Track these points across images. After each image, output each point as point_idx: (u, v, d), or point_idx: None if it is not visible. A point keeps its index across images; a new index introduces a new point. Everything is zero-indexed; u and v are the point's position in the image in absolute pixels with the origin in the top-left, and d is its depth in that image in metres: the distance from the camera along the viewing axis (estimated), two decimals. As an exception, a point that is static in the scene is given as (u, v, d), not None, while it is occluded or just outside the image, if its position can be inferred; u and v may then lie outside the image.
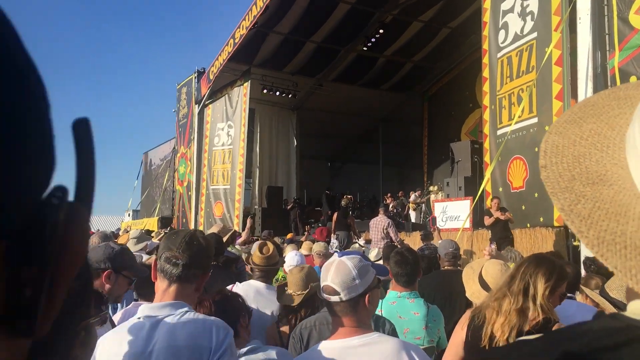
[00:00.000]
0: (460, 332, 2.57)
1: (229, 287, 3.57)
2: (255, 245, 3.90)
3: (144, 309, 1.92)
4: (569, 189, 0.63)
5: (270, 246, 3.89)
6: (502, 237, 9.43)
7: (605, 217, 0.59)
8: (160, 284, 1.96)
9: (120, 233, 12.60)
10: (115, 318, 3.37)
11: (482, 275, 2.95)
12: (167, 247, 1.96)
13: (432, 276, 4.78)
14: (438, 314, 3.40)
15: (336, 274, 1.93)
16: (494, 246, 3.76)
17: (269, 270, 3.79)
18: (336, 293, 1.92)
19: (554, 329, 2.28)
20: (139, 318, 1.89)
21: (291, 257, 4.34)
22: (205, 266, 2.02)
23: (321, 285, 1.98)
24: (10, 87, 0.37)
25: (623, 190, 0.60)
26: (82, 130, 0.43)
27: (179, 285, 1.93)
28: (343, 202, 14.62)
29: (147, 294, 3.52)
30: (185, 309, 1.91)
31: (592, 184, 0.63)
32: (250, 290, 3.57)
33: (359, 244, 11.00)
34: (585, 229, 0.59)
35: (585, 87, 9.15)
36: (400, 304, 3.28)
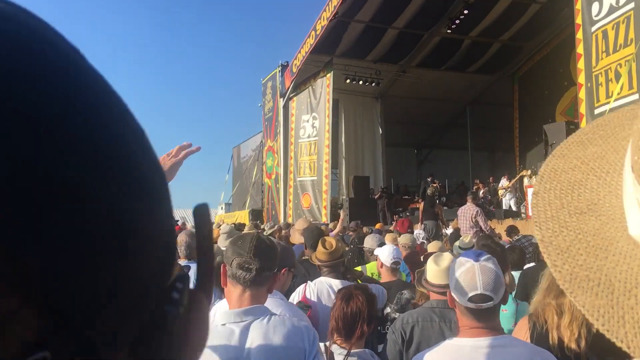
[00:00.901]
0: (523, 333, 2.37)
1: (302, 286, 3.59)
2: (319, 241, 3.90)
3: (228, 315, 1.94)
4: (554, 219, 0.59)
5: (332, 240, 3.87)
6: None
7: (584, 250, 0.55)
8: (234, 290, 1.98)
9: (214, 227, 13.07)
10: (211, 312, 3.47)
11: None
12: (236, 253, 1.98)
13: (533, 270, 4.56)
14: (528, 310, 3.24)
15: (486, 279, 1.90)
16: None
17: (336, 265, 3.77)
18: (489, 299, 1.89)
19: None
20: (222, 324, 1.91)
21: (389, 250, 4.28)
22: (274, 267, 2.04)
23: (466, 296, 1.91)
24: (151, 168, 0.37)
25: (611, 221, 0.55)
26: (202, 216, 0.42)
27: (253, 289, 1.95)
28: (429, 191, 14.29)
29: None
30: (269, 313, 1.95)
31: (580, 213, 0.58)
32: (324, 288, 3.57)
33: (447, 233, 10.76)
34: (560, 262, 0.55)
35: (693, 58, 8.39)
36: None
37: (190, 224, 18.57)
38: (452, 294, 1.96)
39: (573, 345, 2.08)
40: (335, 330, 2.57)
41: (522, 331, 2.36)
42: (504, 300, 1.95)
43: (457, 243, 6.06)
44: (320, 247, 3.72)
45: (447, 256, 2.91)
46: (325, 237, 4.01)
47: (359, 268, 4.90)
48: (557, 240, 0.57)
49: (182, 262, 4.49)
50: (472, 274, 1.90)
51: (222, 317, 1.95)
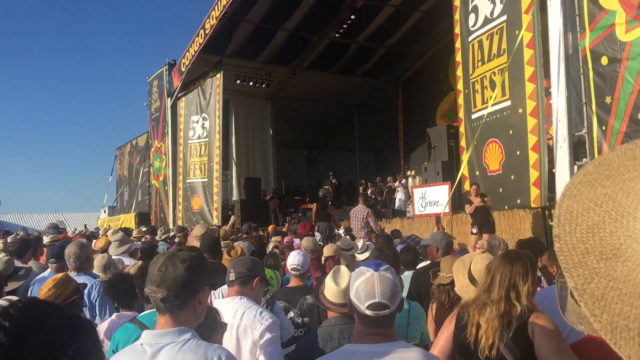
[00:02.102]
0: (449, 326, 2.66)
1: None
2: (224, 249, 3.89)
3: (147, 336, 1.88)
4: (582, 265, 0.60)
5: (238, 248, 3.88)
6: (483, 221, 9.54)
7: (618, 298, 0.56)
8: (157, 314, 1.94)
9: (100, 233, 12.41)
10: (102, 327, 3.32)
11: (471, 270, 2.98)
12: (148, 279, 1.93)
13: (426, 270, 4.79)
14: (420, 310, 3.43)
15: (384, 289, 1.95)
16: (484, 241, 3.78)
17: None
18: (386, 307, 1.95)
19: (532, 317, 2.38)
20: (141, 344, 1.86)
21: (293, 256, 4.28)
22: (191, 290, 1.94)
23: (364, 304, 1.95)
24: None
25: (637, 267, 0.57)
26: None
27: (171, 314, 1.90)
28: (321, 192, 14.58)
29: (129, 304, 3.48)
30: (188, 335, 1.87)
31: (606, 259, 0.59)
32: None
33: (340, 233, 11.03)
34: (598, 312, 0.57)
35: (557, 69, 9.24)
36: None
37: (70, 230, 17.51)
38: (352, 302, 2.03)
39: (486, 349, 2.34)
40: None
41: (451, 316, 2.66)
42: (399, 309, 2.03)
43: (338, 242, 6.24)
44: (225, 255, 3.69)
45: (345, 273, 2.90)
46: (233, 245, 3.99)
47: (269, 271, 4.88)
48: (590, 288, 0.58)
49: (73, 274, 4.25)
50: (371, 283, 1.97)
51: (144, 336, 1.90)
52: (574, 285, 0.60)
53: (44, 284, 3.33)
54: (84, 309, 3.97)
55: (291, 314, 3.92)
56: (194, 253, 2.06)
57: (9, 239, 8.99)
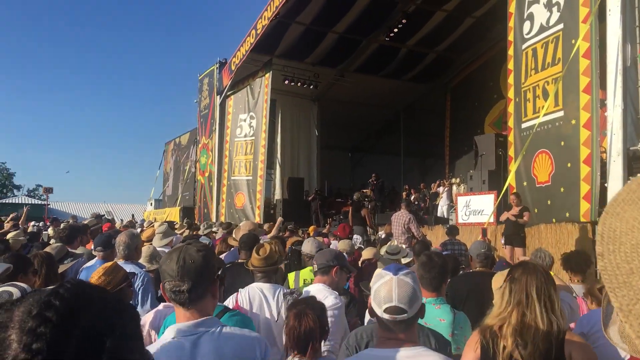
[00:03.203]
0: (471, 354, 2.50)
1: (234, 294, 3.58)
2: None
3: (177, 330, 1.91)
4: (628, 285, 0.59)
5: (267, 247, 3.90)
6: (513, 234, 9.37)
7: None
8: (178, 308, 1.97)
9: (145, 225, 12.72)
10: (148, 317, 3.39)
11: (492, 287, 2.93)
12: (166, 275, 1.96)
13: (463, 278, 4.71)
14: (465, 320, 3.35)
15: (401, 293, 1.96)
16: (526, 258, 3.68)
17: (269, 271, 3.79)
18: (403, 312, 1.95)
19: (567, 336, 2.27)
20: (173, 338, 1.88)
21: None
22: (210, 277, 2.00)
23: (381, 307, 1.97)
24: None
25: None
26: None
27: (194, 306, 1.93)
28: (355, 196, 14.58)
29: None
30: (219, 325, 1.93)
31: None
32: (256, 294, 3.59)
33: (379, 237, 10.97)
34: None
35: (614, 81, 8.95)
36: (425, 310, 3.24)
37: (118, 220, 18.00)
38: (371, 304, 2.04)
39: (515, 354, 2.24)
40: (290, 347, 2.67)
41: (473, 342, 2.52)
42: (420, 314, 2.02)
43: (384, 248, 6.18)
44: (254, 253, 3.73)
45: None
46: (262, 243, 4.01)
47: (292, 274, 4.89)
48: (635, 309, 0.57)
49: (120, 262, 4.36)
50: (389, 286, 1.98)
51: (171, 331, 1.92)
52: (619, 305, 0.59)
53: (94, 272, 3.43)
54: None
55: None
56: (204, 244, 2.13)
57: (61, 226, 9.31)
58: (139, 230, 9.93)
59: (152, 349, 1.94)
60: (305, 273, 4.86)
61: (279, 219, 9.88)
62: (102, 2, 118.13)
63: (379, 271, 2.12)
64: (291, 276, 4.81)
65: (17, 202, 46.48)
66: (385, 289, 1.98)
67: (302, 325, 2.66)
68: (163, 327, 2.88)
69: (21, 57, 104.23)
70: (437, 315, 3.26)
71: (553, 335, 2.27)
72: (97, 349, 0.86)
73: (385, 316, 1.96)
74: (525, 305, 2.35)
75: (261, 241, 4.51)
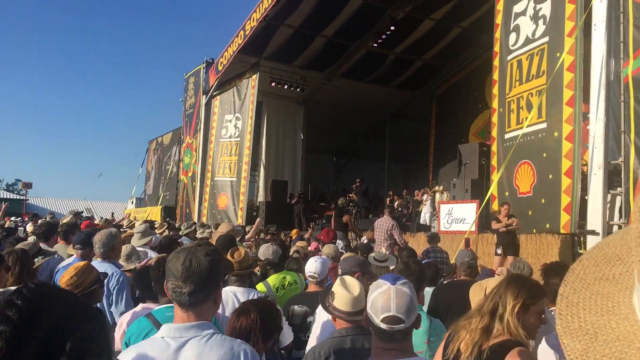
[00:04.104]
0: (440, 349, 2.59)
1: None
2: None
3: (169, 329, 1.89)
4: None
5: (242, 250, 3.90)
6: (509, 242, 9.41)
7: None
8: (176, 308, 1.94)
9: (125, 223, 12.60)
10: (125, 318, 3.35)
11: (486, 292, 2.92)
12: (170, 274, 1.93)
13: (446, 287, 4.72)
14: (441, 327, 3.36)
15: (400, 303, 1.95)
16: (504, 268, 3.70)
17: (243, 274, 3.80)
18: (401, 322, 1.94)
19: (515, 350, 2.24)
20: (162, 337, 1.86)
21: (311, 263, 4.26)
22: (214, 283, 1.98)
23: (379, 317, 1.95)
24: None
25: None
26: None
27: (193, 309, 1.91)
28: (339, 202, 14.61)
29: (154, 296, 3.50)
30: (211, 330, 1.90)
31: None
32: (229, 297, 3.56)
33: (362, 243, 10.96)
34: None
35: (597, 94, 9.07)
36: None
37: (97, 217, 17.79)
38: (367, 314, 2.02)
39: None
40: None
41: (444, 338, 2.58)
42: (416, 324, 2.01)
43: (372, 254, 6.15)
44: (229, 256, 3.71)
45: (354, 282, 2.87)
46: (238, 247, 4.01)
47: (262, 287, 4.78)
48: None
49: (98, 261, 4.30)
50: (387, 296, 1.96)
51: (163, 329, 1.91)
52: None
53: (65, 271, 3.38)
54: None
55: (310, 319, 3.92)
56: (214, 248, 2.09)
57: (39, 222, 9.19)
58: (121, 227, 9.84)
59: (140, 344, 1.94)
60: (273, 280, 4.76)
61: (258, 220, 9.85)
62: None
63: (377, 281, 2.09)
64: (262, 289, 4.71)
65: (-5, 196, 45.78)
66: (383, 299, 1.96)
67: (240, 322, 2.65)
68: (126, 336, 2.82)
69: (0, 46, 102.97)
70: None
71: (493, 335, 2.30)
72: (57, 349, 0.87)
73: (383, 326, 1.94)
74: (487, 314, 2.38)
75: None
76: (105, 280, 3.94)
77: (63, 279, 3.26)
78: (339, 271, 3.71)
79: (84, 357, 0.90)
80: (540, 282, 3.76)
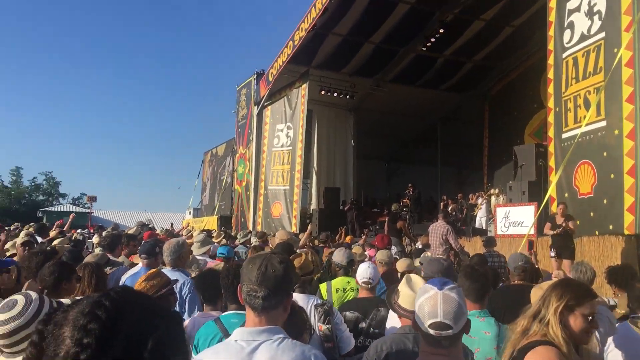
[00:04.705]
0: None
1: None
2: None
3: (242, 333, 1.98)
4: None
5: (303, 256, 3.92)
6: (563, 246, 9.18)
7: None
8: (249, 312, 2.02)
9: (183, 233, 12.95)
10: (184, 324, 3.47)
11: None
12: (245, 279, 2.01)
13: (501, 291, 4.65)
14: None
15: (447, 308, 1.94)
16: (560, 271, 3.61)
17: (304, 281, 3.84)
18: (449, 328, 1.93)
19: (536, 349, 2.27)
20: (235, 340, 1.95)
21: (364, 269, 4.30)
22: (287, 290, 2.05)
23: (426, 322, 1.96)
24: None
25: None
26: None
27: (265, 313, 1.98)
28: (393, 207, 14.52)
29: (213, 300, 3.61)
30: (282, 335, 1.96)
31: None
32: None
33: (417, 248, 10.89)
34: None
35: (659, 90, 8.72)
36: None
37: (158, 228, 18.33)
38: (415, 318, 2.02)
39: None
40: None
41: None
42: (466, 329, 1.99)
43: (418, 260, 6.13)
44: None
45: (419, 281, 2.88)
46: (298, 253, 4.06)
47: (323, 285, 4.88)
48: None
49: (167, 269, 4.44)
50: (434, 301, 1.95)
51: (236, 333, 1.99)
52: None
53: (139, 278, 3.54)
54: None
55: (363, 324, 3.95)
56: (286, 256, 2.16)
57: (104, 234, 9.58)
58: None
59: (215, 347, 2.04)
60: (337, 283, 4.84)
61: (309, 228, 9.92)
62: (142, 10, 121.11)
63: (424, 286, 2.10)
64: (323, 287, 4.82)
65: (62, 209, 47.82)
66: (429, 304, 1.96)
67: None
68: (195, 339, 2.94)
69: (65, 62, 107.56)
70: (482, 328, 3.21)
71: (523, 348, 2.32)
72: (141, 346, 0.94)
73: (431, 331, 1.94)
74: (530, 316, 2.43)
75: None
76: (178, 288, 4.12)
77: (136, 284, 3.41)
78: (422, 274, 3.71)
79: (164, 353, 0.97)
80: (605, 284, 3.68)
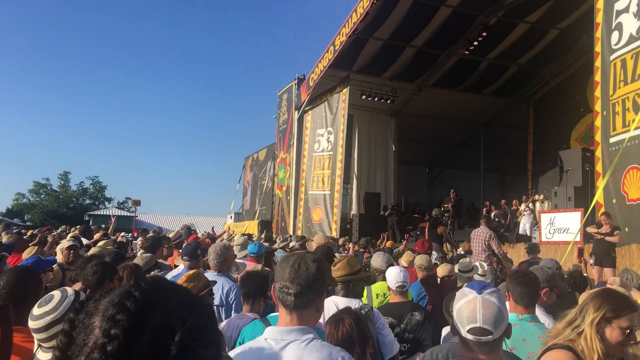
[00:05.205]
0: None
1: None
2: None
3: (272, 331, 1.99)
4: None
5: (346, 260, 3.90)
6: (604, 254, 8.92)
7: None
8: (281, 310, 2.03)
9: (224, 237, 13.12)
10: (220, 325, 3.52)
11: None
12: (279, 276, 2.03)
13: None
14: None
15: (486, 313, 1.88)
16: (615, 277, 3.50)
17: (349, 281, 3.75)
18: (488, 333, 1.87)
19: (551, 352, 2.28)
20: (265, 339, 1.96)
21: (396, 273, 4.27)
22: (319, 289, 2.04)
23: (465, 327, 1.91)
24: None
25: None
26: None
27: (297, 312, 1.98)
28: (434, 212, 14.36)
29: (253, 299, 3.64)
30: (312, 335, 1.96)
31: None
32: (331, 306, 3.53)
33: (459, 254, 10.73)
34: None
35: None
36: (522, 327, 3.07)
37: (200, 232, 18.61)
38: (454, 323, 1.97)
39: None
40: None
41: None
42: (507, 334, 1.92)
43: (457, 266, 6.02)
44: (332, 267, 3.74)
45: None
46: (339, 258, 4.07)
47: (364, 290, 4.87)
48: None
49: (213, 273, 4.49)
50: (473, 306, 1.90)
51: (267, 332, 2.01)
52: None
53: (179, 279, 3.60)
54: (220, 308, 4.23)
55: (397, 330, 3.92)
56: (321, 257, 2.17)
57: (147, 236, 9.80)
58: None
59: (246, 345, 2.05)
60: (377, 287, 4.82)
61: (352, 247, 9.86)
62: (187, 14, 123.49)
63: (462, 290, 2.06)
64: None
65: (107, 213, 49.13)
66: (469, 309, 1.90)
67: (339, 331, 2.68)
68: (240, 337, 3.01)
69: (111, 67, 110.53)
70: (535, 332, 3.13)
71: (544, 350, 2.36)
72: (168, 339, 0.92)
73: (469, 337, 1.88)
74: (565, 322, 2.43)
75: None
76: (225, 293, 4.21)
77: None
78: None
79: (193, 347, 0.95)
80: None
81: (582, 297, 3.13)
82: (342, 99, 19.65)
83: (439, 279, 5.37)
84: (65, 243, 6.18)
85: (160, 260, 5.77)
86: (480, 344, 1.88)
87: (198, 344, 0.96)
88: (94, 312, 0.95)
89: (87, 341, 0.91)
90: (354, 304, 3.65)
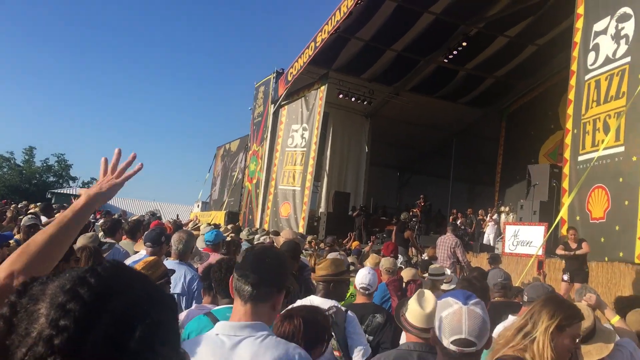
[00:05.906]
0: None
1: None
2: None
3: (223, 327, 1.90)
4: None
5: (330, 259, 3.85)
6: (577, 269, 9.06)
7: None
8: (236, 303, 1.95)
9: (190, 225, 12.96)
10: (180, 316, 3.43)
11: None
12: (239, 265, 1.96)
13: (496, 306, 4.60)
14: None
15: (472, 325, 1.85)
16: (593, 295, 3.51)
17: (332, 281, 3.69)
18: (472, 345, 1.84)
19: None
20: (216, 334, 1.87)
21: (363, 275, 4.24)
22: (279, 284, 1.96)
23: (449, 338, 1.87)
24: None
25: None
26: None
27: (253, 304, 1.90)
28: (402, 216, 14.46)
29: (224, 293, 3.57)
30: (266, 332, 1.88)
31: None
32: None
33: (423, 259, 10.81)
34: None
35: (682, 119, 8.60)
36: None
37: (166, 218, 18.37)
38: (436, 333, 1.92)
39: None
40: None
41: None
42: (487, 345, 1.91)
43: (430, 267, 6.07)
44: (317, 266, 3.69)
45: (430, 298, 2.79)
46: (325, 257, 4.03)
47: None
48: None
49: (174, 261, 4.40)
50: (458, 317, 1.86)
51: (218, 327, 1.92)
52: None
53: (136, 265, 3.51)
54: (181, 297, 4.14)
55: None
56: (286, 253, 2.12)
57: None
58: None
59: (195, 340, 1.95)
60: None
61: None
62: (162, 1, 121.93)
63: (446, 299, 2.02)
64: None
65: (71, 192, 48.12)
66: (454, 320, 1.86)
67: (284, 327, 2.51)
68: (185, 332, 2.82)
69: (81, 49, 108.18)
70: None
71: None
72: (126, 334, 0.81)
73: (452, 348, 1.85)
74: (514, 330, 2.41)
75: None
76: (187, 281, 4.13)
77: None
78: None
79: (152, 344, 0.83)
80: (614, 314, 3.60)
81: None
82: (319, 96, 19.61)
83: (404, 283, 5.38)
84: (26, 221, 6.02)
85: (110, 240, 5.66)
86: (463, 355, 1.85)
87: (158, 341, 0.85)
88: (40, 296, 0.82)
89: (29, 331, 0.78)
90: (327, 304, 3.58)
